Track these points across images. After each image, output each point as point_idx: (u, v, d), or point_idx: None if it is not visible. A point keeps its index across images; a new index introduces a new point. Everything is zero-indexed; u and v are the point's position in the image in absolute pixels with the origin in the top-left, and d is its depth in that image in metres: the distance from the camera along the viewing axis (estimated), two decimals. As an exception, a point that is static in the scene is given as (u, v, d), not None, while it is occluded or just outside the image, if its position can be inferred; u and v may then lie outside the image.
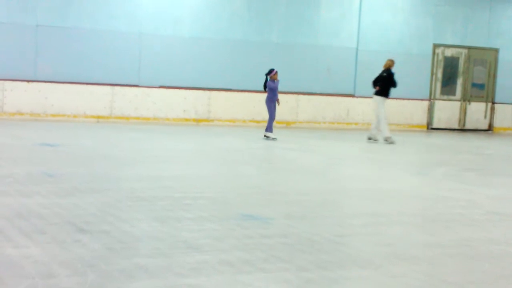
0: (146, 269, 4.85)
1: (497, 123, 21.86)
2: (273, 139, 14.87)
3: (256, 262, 5.20)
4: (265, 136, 15.04)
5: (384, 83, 15.89)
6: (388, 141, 15.60)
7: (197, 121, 18.27)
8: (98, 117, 17.35)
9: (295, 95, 18.99)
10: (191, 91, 18.22)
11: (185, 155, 12.19)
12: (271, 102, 15.05)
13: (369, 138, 16.02)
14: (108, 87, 17.47)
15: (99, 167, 9.84)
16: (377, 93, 15.90)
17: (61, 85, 17.03)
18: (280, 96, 18.71)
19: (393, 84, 15.90)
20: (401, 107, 20.48)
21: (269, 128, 14.98)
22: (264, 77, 15.29)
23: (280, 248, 5.66)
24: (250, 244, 5.74)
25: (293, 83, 19.18)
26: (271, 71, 15.08)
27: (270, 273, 4.95)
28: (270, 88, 14.95)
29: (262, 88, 18.84)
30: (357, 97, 20.05)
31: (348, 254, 5.66)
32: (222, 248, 5.56)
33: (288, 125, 19.13)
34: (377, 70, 20.13)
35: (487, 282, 5.13)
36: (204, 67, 18.47)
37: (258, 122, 18.65)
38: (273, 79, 15.04)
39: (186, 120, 18.17)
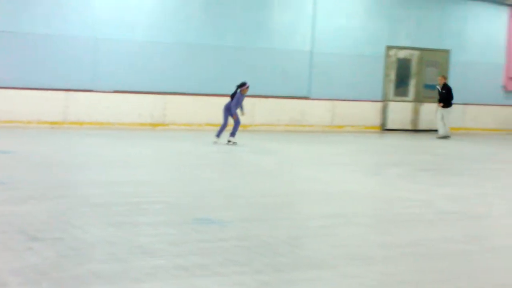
0: (101, 275, 4.80)
1: (449, 123, 22.14)
2: (234, 143, 14.84)
3: (212, 266, 5.18)
4: (229, 141, 14.92)
5: (444, 97, 19.53)
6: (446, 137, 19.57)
7: (153, 125, 18.15)
8: (52, 123, 17.11)
9: (251, 98, 18.95)
10: (146, 95, 18.09)
11: (141, 160, 12.09)
12: (226, 111, 14.91)
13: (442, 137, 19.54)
14: (62, 93, 17.23)
15: (53, 174, 9.70)
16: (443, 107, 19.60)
17: (14, 90, 16.74)
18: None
19: (451, 96, 19.59)
20: (355, 109, 20.64)
21: (233, 134, 14.92)
22: (235, 88, 15.06)
23: (236, 252, 5.65)
24: (206, 248, 5.73)
25: (249, 87, 19.14)
26: (243, 84, 14.97)
27: (226, 276, 4.94)
28: (238, 101, 14.81)
29: (218, 92, 18.84)
30: (312, 99, 20.14)
31: (305, 256, 5.68)
32: (178, 252, 5.54)
33: (244, 128, 19.11)
34: (332, 72, 20.41)
35: (443, 281, 5.19)
36: (159, 71, 18.35)
37: (214, 125, 18.58)
38: (243, 93, 14.93)
39: (142, 124, 18.03)
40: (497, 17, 22.64)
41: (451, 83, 21.89)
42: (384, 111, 21.18)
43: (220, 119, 15.68)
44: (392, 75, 21.31)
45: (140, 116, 18.00)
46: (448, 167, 13.11)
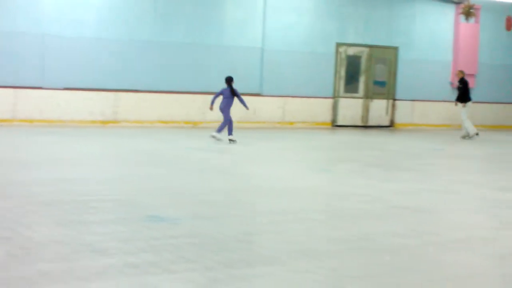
0: (50, 274, 4.76)
1: (398, 119, 22.49)
2: (234, 141, 14.90)
3: (163, 263, 5.19)
4: (230, 140, 14.95)
5: (461, 92, 18.80)
6: (473, 137, 18.72)
7: (104, 122, 18.00)
8: (0, 120, 16.84)
9: (202, 95, 18.96)
10: (97, 92, 17.93)
11: (90, 157, 11.98)
12: (228, 107, 14.99)
13: (463, 137, 18.85)
14: (11, 90, 16.98)
15: (1, 172, 9.55)
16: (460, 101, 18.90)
17: (-41, 88, 16.47)
18: (187, 96, 18.84)
19: (467, 91, 18.79)
20: (306, 105, 20.79)
21: (230, 131, 14.99)
22: (226, 84, 15.05)
23: (187, 249, 5.67)
24: (156, 245, 5.73)
25: (200, 83, 19.16)
26: (231, 78, 15.07)
27: (177, 273, 4.96)
28: (236, 94, 14.93)
29: (168, 89, 18.80)
30: (264, 96, 20.22)
31: (255, 252, 5.72)
32: (128, 250, 5.52)
33: (195, 125, 19.10)
34: (283, 69, 20.52)
35: (387, 274, 5.30)
36: (110, 68, 18.20)
37: (165, 122, 18.54)
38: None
39: (93, 122, 17.86)
40: (444, 14, 23.03)
41: (399, 79, 22.26)
42: (334, 107, 21.38)
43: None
44: (342, 72, 21.52)
45: (91, 113, 17.84)
46: (396, 163, 13.31)
